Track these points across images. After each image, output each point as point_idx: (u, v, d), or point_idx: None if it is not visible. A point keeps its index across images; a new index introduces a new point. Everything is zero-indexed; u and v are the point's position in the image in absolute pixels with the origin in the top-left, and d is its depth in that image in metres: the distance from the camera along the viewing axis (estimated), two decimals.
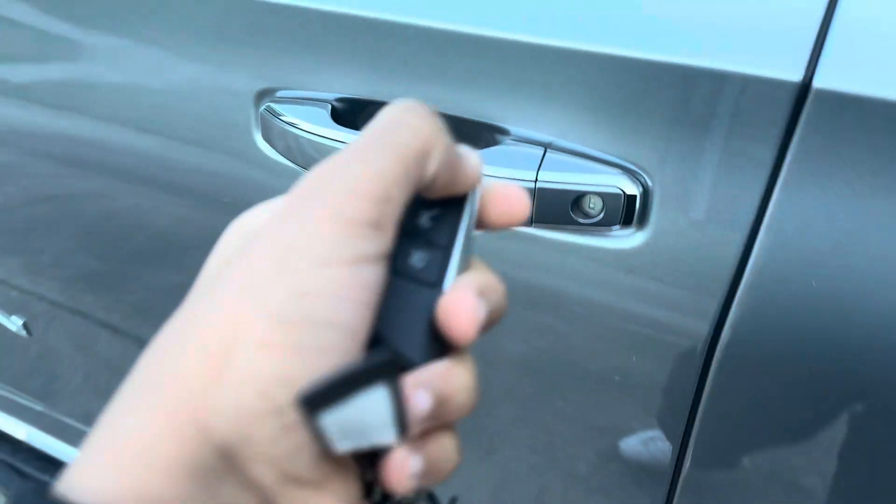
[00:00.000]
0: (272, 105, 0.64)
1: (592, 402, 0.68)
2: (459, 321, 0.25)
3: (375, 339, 0.25)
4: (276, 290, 0.22)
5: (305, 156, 0.63)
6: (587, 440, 0.70)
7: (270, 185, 0.67)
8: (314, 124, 0.61)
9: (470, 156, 0.28)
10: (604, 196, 0.55)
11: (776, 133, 0.49)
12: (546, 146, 0.56)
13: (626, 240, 0.57)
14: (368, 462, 0.26)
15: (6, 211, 0.97)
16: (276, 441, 0.22)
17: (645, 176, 0.54)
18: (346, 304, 0.23)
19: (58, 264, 1.00)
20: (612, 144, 0.55)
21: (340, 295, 0.23)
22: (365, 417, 0.22)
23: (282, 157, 0.65)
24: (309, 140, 0.62)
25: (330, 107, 0.62)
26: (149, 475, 0.21)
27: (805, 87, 0.47)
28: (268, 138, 0.66)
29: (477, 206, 0.29)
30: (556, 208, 0.56)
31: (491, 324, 0.27)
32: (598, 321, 0.62)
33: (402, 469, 0.24)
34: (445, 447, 0.26)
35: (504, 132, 0.58)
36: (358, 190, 0.24)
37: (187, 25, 0.65)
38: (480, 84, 0.57)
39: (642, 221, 0.56)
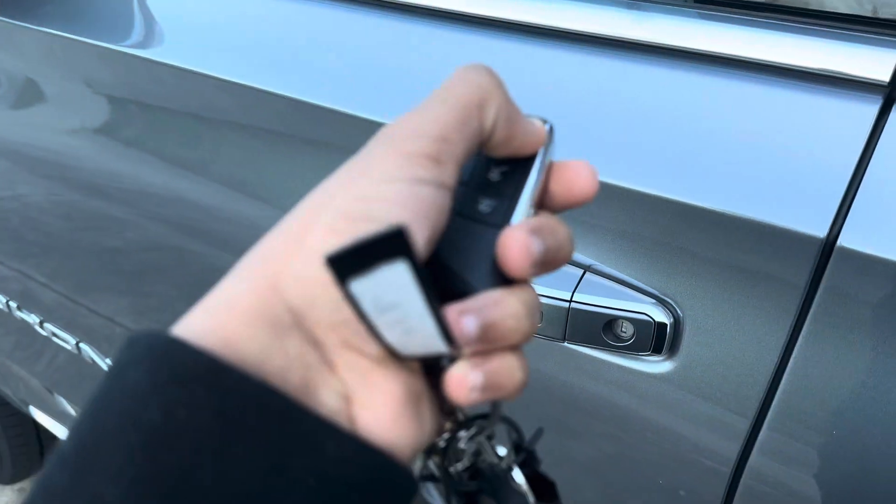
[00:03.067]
0: None
1: None
2: (513, 254, 0.27)
3: (441, 270, 0.28)
4: (344, 194, 0.27)
5: None
6: None
7: None
8: None
9: (531, 119, 0.31)
10: (635, 322, 0.58)
11: (801, 284, 0.50)
12: (586, 268, 0.60)
13: (656, 365, 0.59)
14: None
15: (122, 254, 1.08)
16: (336, 309, 0.26)
17: (677, 308, 0.57)
18: (401, 209, 0.26)
19: (161, 309, 1.10)
20: (647, 274, 0.58)
21: (397, 202, 0.26)
22: (394, 294, 0.24)
23: None
24: None
25: None
26: (229, 319, 0.26)
27: (831, 244, 0.49)
28: None
29: (544, 168, 0.31)
30: (588, 329, 0.59)
31: (554, 263, 0.29)
32: (653, 437, 0.63)
33: (462, 381, 0.27)
34: (509, 364, 0.28)
35: None
36: (418, 130, 0.28)
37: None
38: None
39: (672, 350, 0.58)
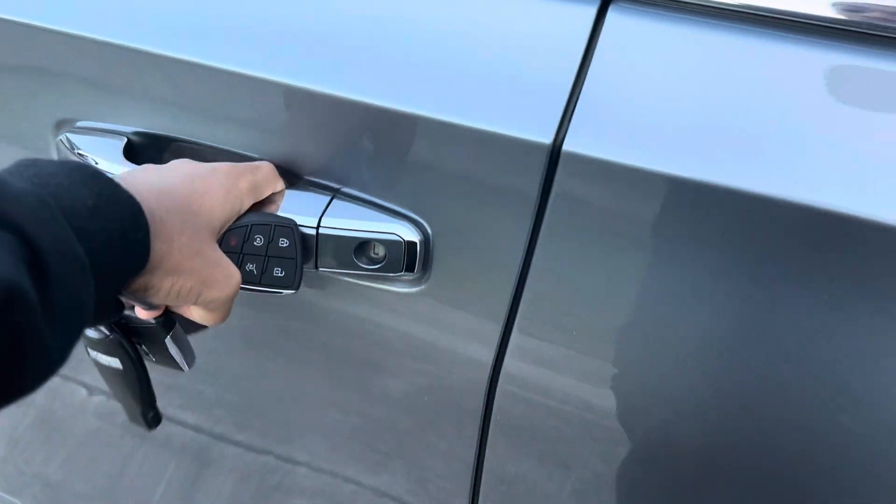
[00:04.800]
0: (69, 136, 0.63)
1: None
2: None
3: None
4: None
5: None
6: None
7: None
8: (105, 159, 0.60)
9: None
10: (386, 243, 0.56)
11: (534, 191, 0.51)
12: (334, 192, 0.57)
13: (410, 284, 0.58)
14: None
15: None
16: None
17: (426, 225, 0.56)
18: None
19: None
20: (394, 194, 0.56)
21: None
22: None
23: None
24: None
25: (126, 140, 0.61)
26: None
27: (557, 149, 0.49)
28: None
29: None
30: (339, 253, 0.57)
31: None
32: (416, 354, 0.63)
33: None
34: None
35: (298, 176, 0.58)
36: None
37: None
38: (267, 127, 0.57)
39: (425, 268, 0.57)
